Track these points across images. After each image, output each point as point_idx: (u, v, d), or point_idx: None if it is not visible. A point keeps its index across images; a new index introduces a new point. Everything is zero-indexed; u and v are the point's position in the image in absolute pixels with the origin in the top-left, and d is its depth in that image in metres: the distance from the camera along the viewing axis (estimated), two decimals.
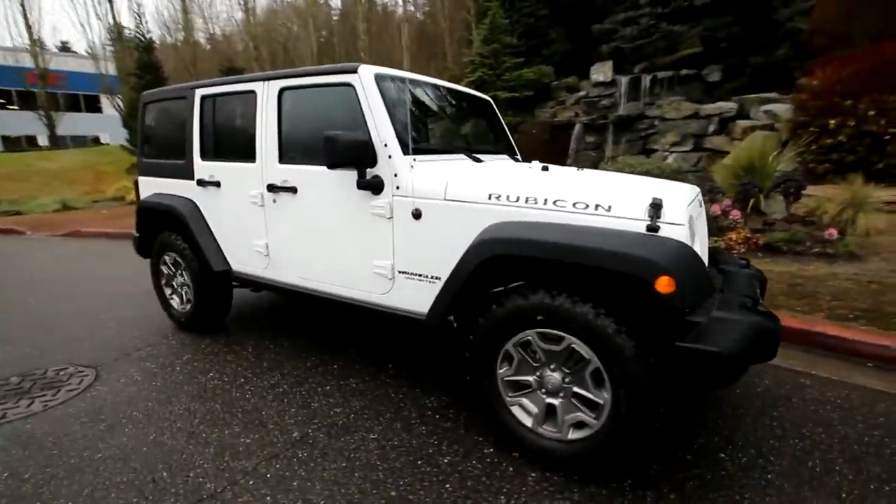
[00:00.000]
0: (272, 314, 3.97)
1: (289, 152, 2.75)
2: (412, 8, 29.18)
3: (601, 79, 13.52)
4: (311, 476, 2.00)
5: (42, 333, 3.72)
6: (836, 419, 2.35)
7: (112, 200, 12.65)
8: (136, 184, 3.84)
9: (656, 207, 1.83)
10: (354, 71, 2.43)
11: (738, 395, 2.55)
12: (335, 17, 33.92)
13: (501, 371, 2.07)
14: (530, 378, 2.02)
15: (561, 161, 9.98)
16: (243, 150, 2.96)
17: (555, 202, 2.00)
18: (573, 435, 1.94)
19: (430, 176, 2.31)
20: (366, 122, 2.39)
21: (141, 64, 15.14)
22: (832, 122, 6.49)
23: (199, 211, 3.28)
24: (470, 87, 3.71)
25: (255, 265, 3.06)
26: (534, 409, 2.03)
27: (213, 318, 3.52)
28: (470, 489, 1.91)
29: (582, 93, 13.81)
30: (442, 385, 2.72)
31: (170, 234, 3.47)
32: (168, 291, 3.68)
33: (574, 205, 1.96)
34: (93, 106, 32.22)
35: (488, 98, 3.53)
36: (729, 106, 10.47)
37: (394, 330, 3.46)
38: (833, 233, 4.38)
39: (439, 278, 2.29)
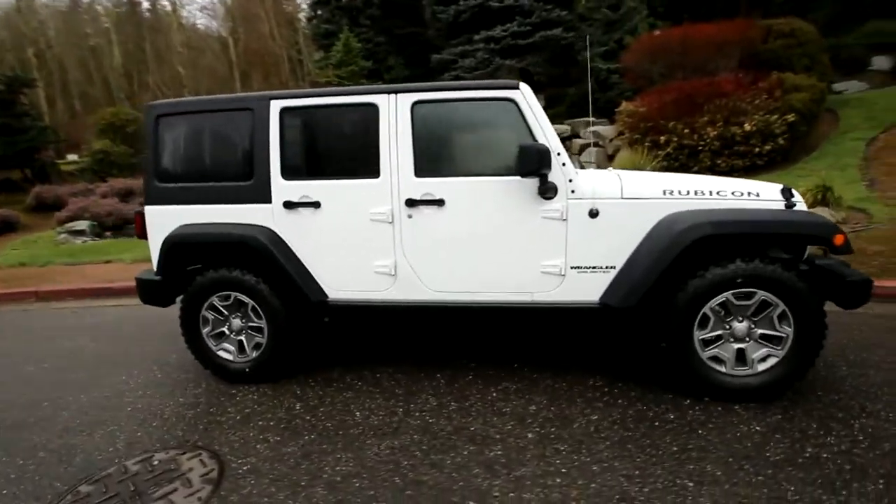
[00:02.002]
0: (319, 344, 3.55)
1: (429, 165, 2.70)
2: (215, 24, 26.88)
3: None
4: (598, 458, 2.13)
5: (39, 427, 2.64)
6: (865, 334, 3.32)
7: None
8: (138, 216, 3.05)
9: (788, 191, 2.57)
10: (516, 87, 2.60)
11: None
12: (105, 24, 29.18)
13: (697, 332, 2.53)
14: (721, 331, 2.53)
15: None
16: (357, 165, 2.76)
17: (717, 192, 2.58)
18: (761, 367, 2.52)
19: (602, 179, 2.65)
20: (532, 135, 2.58)
21: None
22: (662, 138, 8.72)
23: (280, 237, 2.86)
24: None
25: (372, 288, 2.84)
26: (726, 355, 2.54)
27: (291, 359, 3.04)
28: (715, 430, 2.31)
29: None
30: (580, 366, 3.00)
31: (228, 270, 2.89)
32: (213, 343, 3.02)
33: (733, 193, 2.57)
34: None
35: None
36: (564, 128, 12.79)
37: (459, 331, 3.53)
38: None
39: (614, 267, 2.63)
